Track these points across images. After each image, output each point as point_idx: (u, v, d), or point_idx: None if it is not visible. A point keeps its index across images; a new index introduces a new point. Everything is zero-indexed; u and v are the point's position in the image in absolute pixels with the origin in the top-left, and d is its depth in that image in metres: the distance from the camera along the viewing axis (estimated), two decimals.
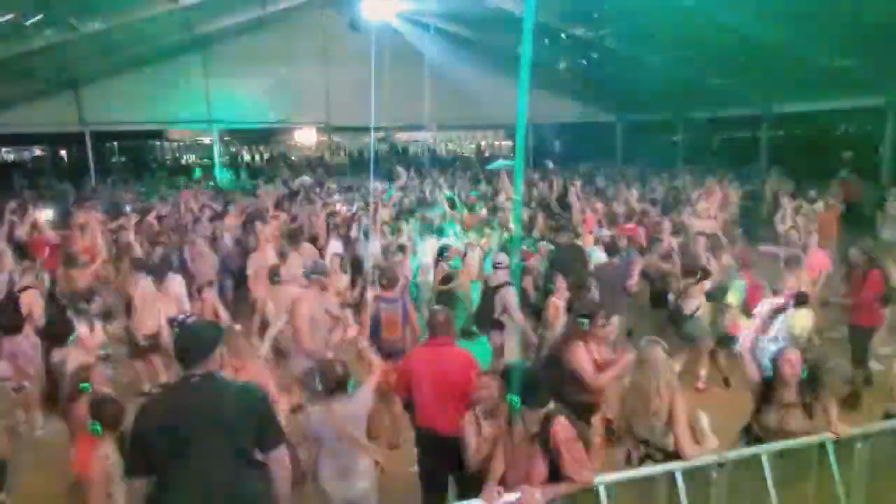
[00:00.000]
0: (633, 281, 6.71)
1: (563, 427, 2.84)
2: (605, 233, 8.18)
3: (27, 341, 5.55)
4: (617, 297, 6.28)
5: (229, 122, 18.14)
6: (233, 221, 9.65)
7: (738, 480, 3.22)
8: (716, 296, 6.05)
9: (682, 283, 6.11)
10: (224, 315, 6.36)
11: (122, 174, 19.93)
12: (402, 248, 7.42)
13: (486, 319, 6.00)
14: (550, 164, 15.35)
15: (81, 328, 5.10)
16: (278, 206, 10.90)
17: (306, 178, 16.47)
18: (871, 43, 9.69)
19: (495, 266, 6.08)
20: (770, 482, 3.20)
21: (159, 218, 9.71)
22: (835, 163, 13.00)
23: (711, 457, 3.19)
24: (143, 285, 6.28)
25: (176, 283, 6.67)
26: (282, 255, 7.23)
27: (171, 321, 6.19)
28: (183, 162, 28.49)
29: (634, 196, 10.80)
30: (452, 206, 10.31)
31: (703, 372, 6.12)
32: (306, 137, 26.87)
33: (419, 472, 4.02)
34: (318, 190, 13.71)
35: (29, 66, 12.68)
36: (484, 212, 10.07)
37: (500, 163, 17.91)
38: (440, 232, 8.63)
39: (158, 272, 6.67)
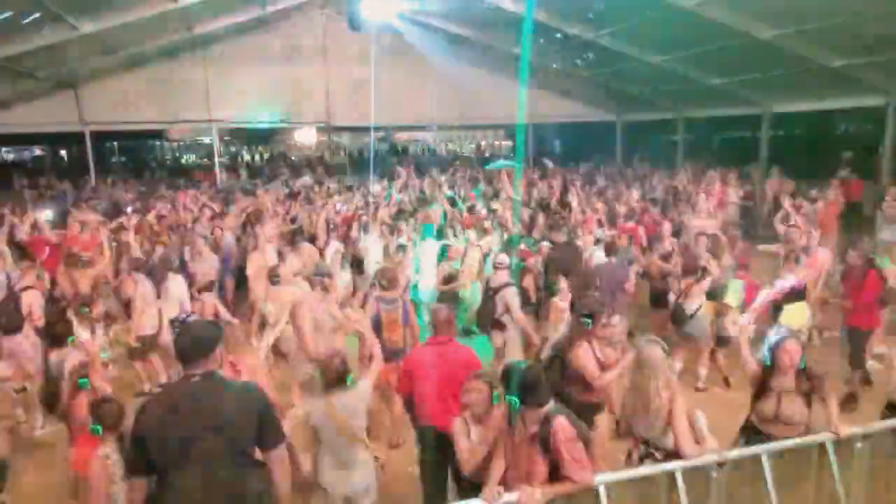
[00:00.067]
0: (630, 284, 6.73)
1: (562, 427, 2.83)
2: (606, 233, 8.19)
3: (27, 341, 5.56)
4: (616, 298, 6.28)
5: (229, 121, 18.12)
6: (233, 221, 9.65)
7: (738, 480, 3.22)
8: (715, 295, 6.06)
9: (683, 283, 6.12)
10: (224, 315, 6.37)
11: (122, 174, 19.91)
12: (402, 248, 7.42)
13: (487, 320, 6.02)
14: (550, 164, 15.33)
15: (81, 332, 5.10)
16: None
17: (307, 179, 16.45)
18: (871, 43, 9.69)
19: (496, 266, 6.08)
20: (770, 482, 3.20)
21: (159, 218, 9.72)
22: (835, 163, 12.98)
23: (711, 457, 3.18)
24: (142, 286, 6.29)
25: (176, 283, 6.66)
26: (281, 256, 7.24)
27: (172, 321, 6.24)
28: (183, 162, 28.50)
29: (634, 196, 10.81)
30: (453, 205, 10.30)
31: (703, 372, 6.13)
32: (306, 137, 26.81)
33: (419, 472, 4.03)
34: (317, 189, 13.70)
35: (28, 66, 12.65)
36: (484, 212, 10.06)
37: (500, 163, 17.86)
38: (440, 232, 8.62)
39: (158, 272, 6.68)
